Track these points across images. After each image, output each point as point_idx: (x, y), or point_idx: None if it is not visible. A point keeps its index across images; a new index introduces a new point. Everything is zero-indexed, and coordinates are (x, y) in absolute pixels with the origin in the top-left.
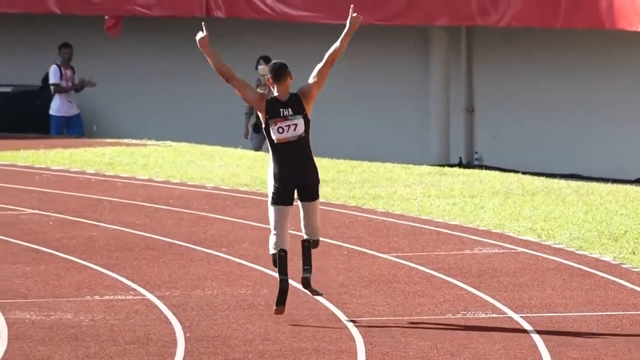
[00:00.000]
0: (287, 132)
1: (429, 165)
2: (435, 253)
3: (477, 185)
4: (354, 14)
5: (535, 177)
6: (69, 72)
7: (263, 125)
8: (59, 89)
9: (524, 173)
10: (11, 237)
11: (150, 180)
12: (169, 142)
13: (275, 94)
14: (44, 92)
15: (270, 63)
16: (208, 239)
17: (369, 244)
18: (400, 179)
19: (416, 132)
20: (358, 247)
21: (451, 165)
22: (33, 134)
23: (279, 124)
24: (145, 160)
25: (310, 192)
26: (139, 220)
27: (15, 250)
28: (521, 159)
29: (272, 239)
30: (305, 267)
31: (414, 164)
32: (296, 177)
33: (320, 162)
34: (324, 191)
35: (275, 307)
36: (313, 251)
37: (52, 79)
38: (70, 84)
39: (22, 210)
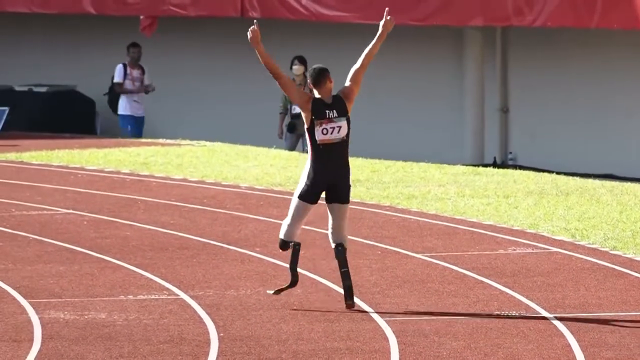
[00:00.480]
0: (331, 133)
1: (463, 165)
2: (469, 253)
3: (511, 185)
4: (388, 17)
5: (570, 177)
6: (135, 72)
7: (306, 126)
8: (121, 90)
9: (558, 173)
10: (45, 236)
11: (184, 180)
12: (203, 142)
13: (318, 96)
14: (111, 90)
15: (311, 68)
16: (242, 238)
17: (402, 244)
18: (434, 179)
19: (450, 132)
20: (392, 247)
21: (485, 165)
22: (68, 134)
23: (324, 125)
24: (180, 160)
25: (341, 194)
26: (173, 220)
27: (49, 249)
28: (555, 159)
29: (286, 226)
30: (343, 270)
31: (448, 163)
32: (330, 178)
33: (355, 162)
34: (359, 191)
35: (274, 290)
36: (347, 250)
37: (116, 78)
38: (137, 84)
39: (56, 210)
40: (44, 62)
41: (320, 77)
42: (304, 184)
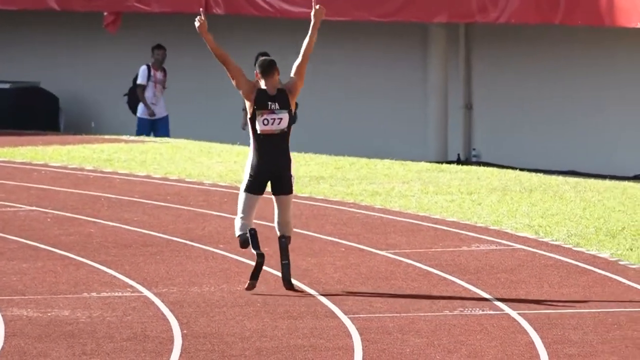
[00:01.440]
0: (272, 124)
1: (427, 162)
2: (433, 250)
3: (475, 182)
4: (317, 6)
5: (533, 174)
6: (159, 74)
7: (249, 116)
8: (142, 95)
9: (521, 170)
10: (9, 233)
11: (148, 177)
12: (166, 139)
13: (264, 87)
14: (131, 92)
15: (260, 59)
16: (206, 235)
17: (366, 241)
18: (398, 176)
19: (414, 129)
20: (355, 244)
21: (449, 162)
22: (31, 131)
23: (265, 116)
24: (143, 157)
25: (283, 185)
26: (137, 217)
27: (12, 246)
28: (519, 155)
29: (238, 222)
30: (284, 262)
31: (412, 160)
32: (272, 169)
33: (319, 159)
34: (322, 188)
35: (248, 282)
36: (310, 247)
37: (139, 80)
38: (160, 86)
39: (19, 207)
40: (7, 59)
41: (269, 68)
42: (248, 176)
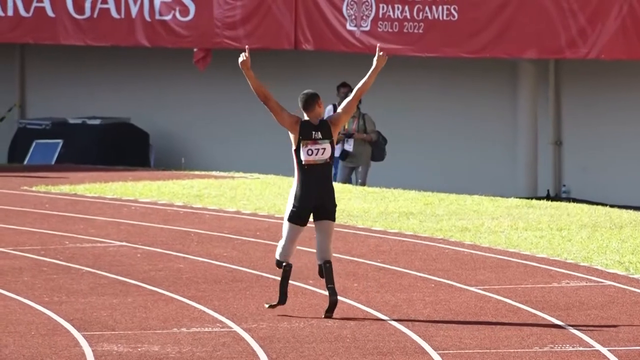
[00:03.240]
0: (316, 155)
1: (516, 197)
2: (523, 286)
3: (565, 218)
4: (380, 53)
5: (624, 210)
6: None
7: (294, 147)
8: None
9: (612, 206)
10: (99, 269)
11: (238, 212)
12: (256, 175)
13: (306, 118)
14: None
15: (302, 93)
16: (295, 271)
17: (456, 277)
18: (487, 212)
19: (504, 165)
20: (445, 280)
21: (539, 198)
22: (121, 167)
23: (309, 146)
24: (233, 193)
25: (326, 211)
26: (227, 253)
27: (103, 282)
28: (609, 191)
29: (280, 247)
30: (330, 286)
31: (501, 196)
32: (316, 199)
33: (408, 195)
34: (411, 223)
35: (268, 305)
36: (399, 282)
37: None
38: (349, 126)
39: (110, 243)
40: (97, 95)
41: (310, 100)
42: (292, 206)
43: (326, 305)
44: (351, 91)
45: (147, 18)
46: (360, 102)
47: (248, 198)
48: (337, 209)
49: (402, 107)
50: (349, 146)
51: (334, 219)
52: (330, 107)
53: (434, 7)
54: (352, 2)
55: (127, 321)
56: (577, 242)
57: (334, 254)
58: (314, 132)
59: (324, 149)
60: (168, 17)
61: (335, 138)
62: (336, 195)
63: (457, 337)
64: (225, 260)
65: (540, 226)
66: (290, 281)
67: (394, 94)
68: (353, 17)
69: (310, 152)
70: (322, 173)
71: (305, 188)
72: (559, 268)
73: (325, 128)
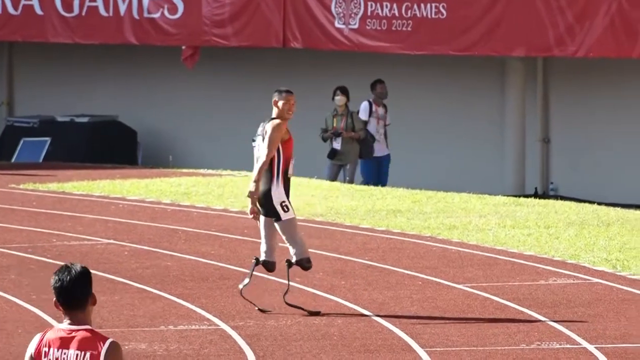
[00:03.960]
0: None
1: (504, 195)
2: (510, 283)
3: (552, 216)
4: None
5: (611, 208)
6: (380, 110)
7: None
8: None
9: (599, 204)
10: (86, 266)
11: (225, 210)
12: (244, 172)
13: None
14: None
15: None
16: (282, 269)
17: (443, 274)
18: (475, 210)
19: (492, 163)
20: (432, 277)
21: (526, 196)
22: (109, 164)
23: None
24: (221, 191)
25: (269, 213)
26: (214, 250)
27: None
28: (596, 189)
29: (301, 244)
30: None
31: (489, 194)
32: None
33: (396, 192)
34: (399, 221)
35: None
36: (386, 280)
37: (361, 116)
38: (383, 122)
39: (97, 240)
40: (85, 93)
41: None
42: (289, 203)
43: (310, 302)
44: (386, 88)
45: (136, 16)
46: (348, 99)
47: (236, 196)
48: (326, 205)
49: (390, 105)
50: (337, 144)
51: (278, 220)
52: (365, 104)
53: (422, 5)
54: (340, 0)
55: (115, 319)
56: (565, 240)
57: (321, 252)
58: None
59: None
60: (156, 15)
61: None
62: (325, 193)
63: (444, 335)
64: (212, 258)
65: (527, 224)
66: (277, 279)
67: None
68: (342, 15)
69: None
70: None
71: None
72: (546, 265)
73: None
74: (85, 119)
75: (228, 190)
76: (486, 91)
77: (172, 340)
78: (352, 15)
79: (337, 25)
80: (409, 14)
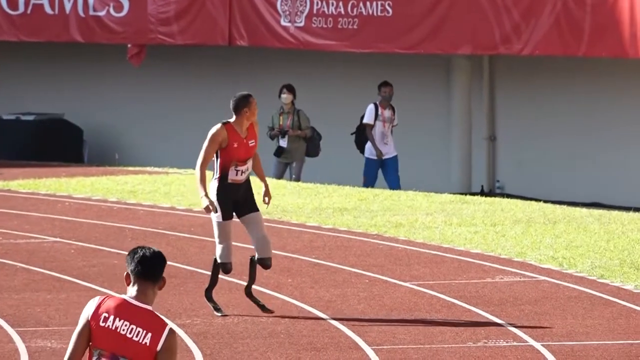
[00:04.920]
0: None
1: (450, 193)
2: (457, 281)
3: (499, 214)
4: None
5: (557, 206)
6: (386, 112)
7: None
8: (370, 134)
9: (545, 201)
10: (33, 265)
11: (172, 208)
12: (191, 171)
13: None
14: (358, 130)
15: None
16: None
17: (390, 272)
18: (421, 207)
19: (438, 161)
20: (379, 276)
21: (473, 194)
22: (55, 162)
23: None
24: (167, 189)
25: None
26: (161, 249)
27: (37, 278)
28: (543, 187)
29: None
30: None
31: (435, 192)
32: None
33: (342, 190)
34: (346, 219)
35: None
36: (333, 278)
37: (366, 119)
38: (388, 125)
39: (44, 238)
40: (31, 91)
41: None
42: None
43: (261, 301)
44: (392, 90)
45: (81, 14)
46: (294, 97)
47: (182, 194)
48: (273, 203)
49: (337, 103)
50: (284, 142)
51: None
52: (371, 107)
53: (368, 3)
54: None
55: (61, 317)
56: (511, 238)
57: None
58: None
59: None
60: (102, 13)
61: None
62: (271, 191)
63: (391, 333)
64: None
65: (474, 222)
66: (224, 277)
67: (329, 90)
68: (287, 12)
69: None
70: None
71: None
72: (492, 263)
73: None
74: (31, 117)
75: (175, 189)
76: (432, 89)
77: None
78: (298, 13)
79: (283, 23)
80: (354, 12)
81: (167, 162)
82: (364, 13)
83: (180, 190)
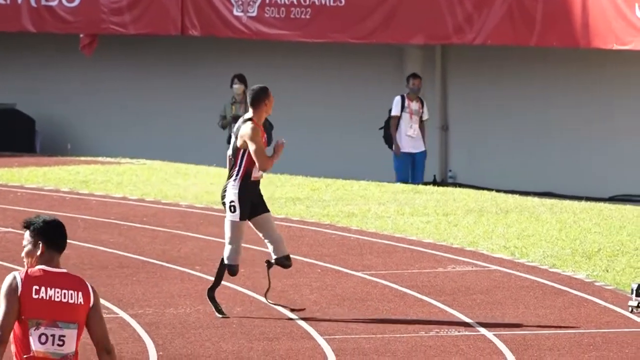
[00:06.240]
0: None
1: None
2: (409, 271)
3: (451, 204)
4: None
5: (509, 195)
6: (414, 105)
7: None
8: (394, 127)
9: (497, 191)
10: None
11: (124, 198)
12: (143, 161)
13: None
14: (387, 124)
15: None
16: (182, 257)
17: (342, 262)
18: (374, 197)
19: (391, 150)
20: (331, 265)
21: (425, 184)
22: (7, 152)
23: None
24: (120, 179)
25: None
26: (113, 239)
27: None
28: (495, 177)
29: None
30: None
31: (388, 182)
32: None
33: (295, 180)
34: (299, 209)
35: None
36: (287, 269)
37: (393, 111)
38: (415, 117)
39: None
40: None
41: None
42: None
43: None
44: (421, 83)
45: (33, 4)
46: (246, 87)
47: (135, 184)
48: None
49: (289, 93)
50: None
51: (226, 216)
52: (398, 98)
53: None
54: None
55: None
56: (463, 227)
57: (221, 240)
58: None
59: (232, 144)
60: (54, 3)
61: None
62: (224, 181)
63: (343, 323)
64: (111, 246)
65: (426, 211)
66: (176, 267)
67: (281, 80)
68: (240, 2)
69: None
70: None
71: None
72: (445, 253)
73: (238, 127)
74: None
75: (127, 179)
76: (385, 79)
77: None
78: (251, 3)
79: (235, 13)
80: (307, 2)
81: (120, 152)
82: (317, 3)
83: (132, 180)
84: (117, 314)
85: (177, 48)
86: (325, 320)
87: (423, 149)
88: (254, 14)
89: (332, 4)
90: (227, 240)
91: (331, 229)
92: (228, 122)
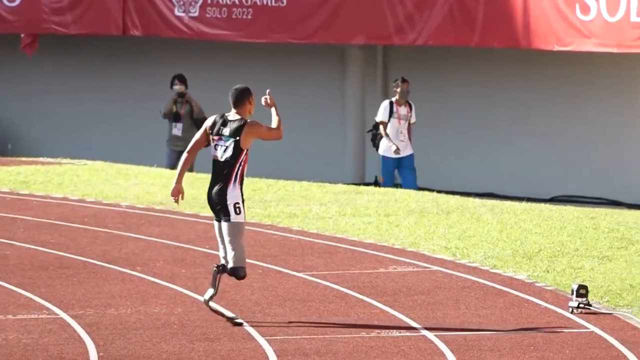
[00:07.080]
0: (217, 151)
1: (344, 184)
2: (350, 272)
3: (392, 204)
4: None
5: (450, 196)
6: (402, 109)
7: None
8: (384, 130)
9: (439, 192)
10: None
11: (65, 198)
12: (84, 161)
13: (228, 113)
14: (375, 128)
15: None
16: (122, 257)
17: (283, 263)
18: (315, 198)
19: (332, 151)
20: (273, 266)
21: (367, 184)
22: None
23: (214, 141)
24: (60, 179)
25: (217, 212)
26: (54, 239)
27: None
28: (436, 177)
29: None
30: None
31: (329, 182)
32: (209, 197)
33: None
34: None
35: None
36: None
37: (378, 116)
38: (404, 122)
39: None
40: None
41: (238, 97)
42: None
43: (150, 291)
44: (408, 87)
45: None
46: (186, 87)
47: (75, 184)
48: (166, 194)
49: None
50: (178, 130)
51: (227, 220)
52: (385, 103)
53: None
54: None
55: None
56: (405, 228)
57: (162, 240)
58: (222, 128)
59: (226, 147)
60: None
61: (245, 142)
62: (165, 181)
63: (284, 324)
64: (52, 247)
65: (367, 212)
66: (117, 267)
67: (223, 80)
68: (181, 2)
69: (216, 147)
70: (218, 171)
71: (209, 184)
72: (386, 254)
73: (236, 127)
74: None
75: (68, 179)
76: (326, 79)
77: (11, 330)
78: (192, 3)
79: (177, 13)
80: (249, 2)
81: (60, 152)
82: (258, 3)
83: (73, 180)
84: (58, 314)
85: (118, 48)
86: (266, 321)
87: (411, 152)
88: (196, 14)
89: (273, 4)
90: (233, 244)
91: (272, 229)
92: (169, 109)
